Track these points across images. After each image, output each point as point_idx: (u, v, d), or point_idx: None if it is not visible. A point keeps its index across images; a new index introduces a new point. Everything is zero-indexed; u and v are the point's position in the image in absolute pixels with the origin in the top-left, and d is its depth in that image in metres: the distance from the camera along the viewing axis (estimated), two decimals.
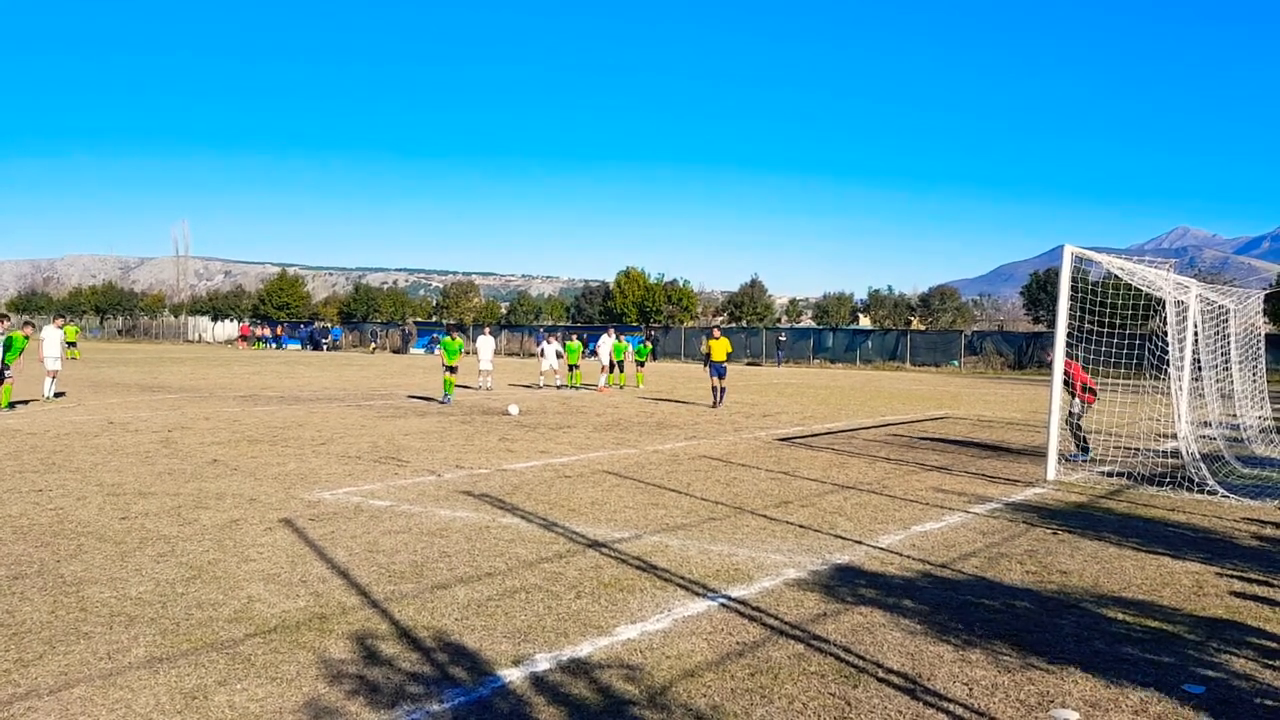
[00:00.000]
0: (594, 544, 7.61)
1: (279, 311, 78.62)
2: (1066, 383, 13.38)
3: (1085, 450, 13.76)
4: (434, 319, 77.19)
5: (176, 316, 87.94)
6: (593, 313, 68.90)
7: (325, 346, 67.48)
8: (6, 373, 18.13)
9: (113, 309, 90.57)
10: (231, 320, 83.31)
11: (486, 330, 31.29)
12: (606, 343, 28.65)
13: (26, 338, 19.38)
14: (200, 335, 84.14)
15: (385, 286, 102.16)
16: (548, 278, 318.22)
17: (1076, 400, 13.74)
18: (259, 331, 73.89)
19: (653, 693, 4.57)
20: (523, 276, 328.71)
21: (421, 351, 66.01)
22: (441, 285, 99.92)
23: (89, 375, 30.60)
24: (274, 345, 71.07)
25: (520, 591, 6.22)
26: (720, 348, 22.17)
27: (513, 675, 4.76)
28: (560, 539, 7.78)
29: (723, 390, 22.35)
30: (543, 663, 4.93)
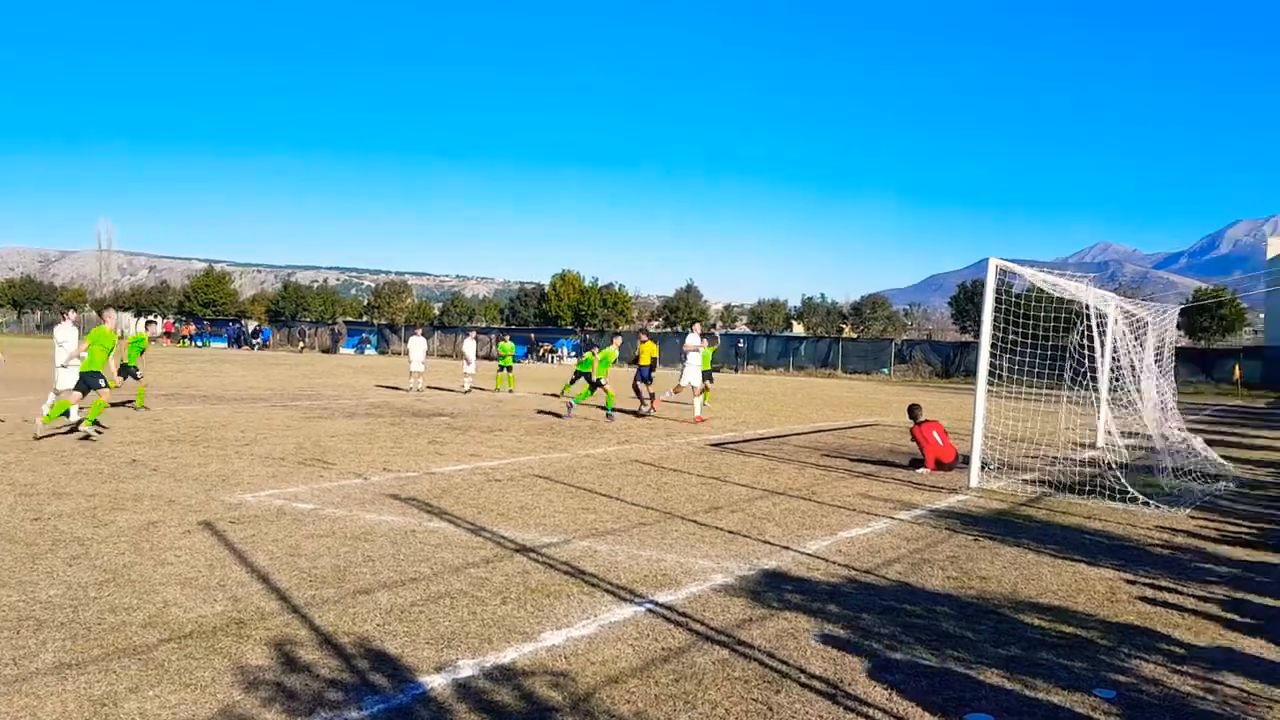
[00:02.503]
0: (522, 549, 7.56)
1: (205, 309, 76.93)
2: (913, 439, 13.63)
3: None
4: (364, 319, 76.21)
5: (99, 312, 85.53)
6: (528, 315, 68.65)
7: (254, 346, 66.02)
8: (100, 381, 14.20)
9: (31, 303, 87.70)
10: (156, 316, 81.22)
11: (419, 331, 31.00)
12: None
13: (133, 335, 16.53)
14: (123, 332, 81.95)
15: (315, 285, 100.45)
16: (482, 279, 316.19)
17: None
18: (184, 329, 72.22)
19: (577, 699, 4.55)
20: (457, 277, 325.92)
21: (351, 351, 65.13)
22: (373, 284, 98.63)
23: (3, 372, 29.57)
24: (198, 343, 69.51)
25: (445, 597, 6.15)
26: (647, 352, 21.87)
27: (435, 682, 4.70)
28: (488, 543, 7.72)
29: (651, 395, 21.56)
30: (466, 669, 4.88)
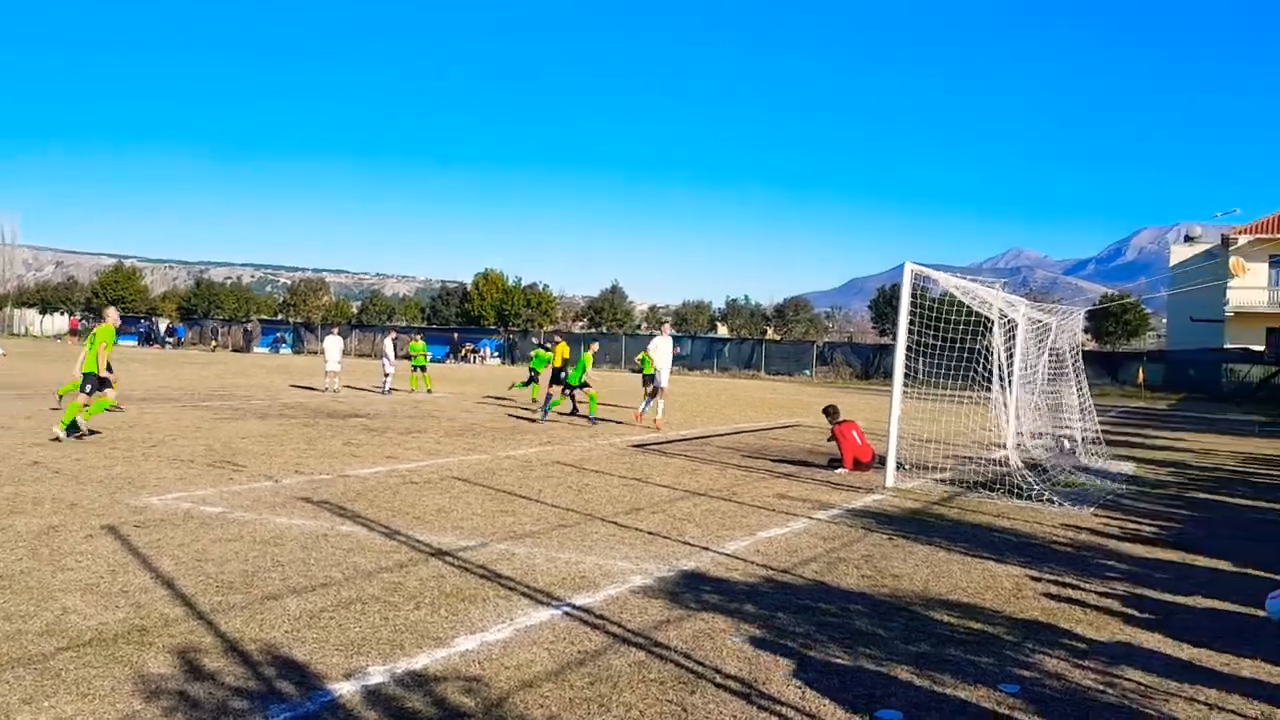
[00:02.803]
0: (438, 553, 7.46)
1: (114, 306, 74.55)
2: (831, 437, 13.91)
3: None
4: (280, 317, 74.67)
5: (2, 309, 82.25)
6: (449, 315, 67.94)
7: (168, 344, 63.90)
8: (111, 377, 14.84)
9: None
10: (62, 314, 78.50)
11: (335, 330, 30.43)
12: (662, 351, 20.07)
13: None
14: (28, 328, 79.02)
15: (229, 282, 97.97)
16: (403, 277, 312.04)
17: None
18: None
19: (489, 704, 4.49)
20: (377, 275, 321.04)
21: (266, 350, 63.72)
22: (289, 282, 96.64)
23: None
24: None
25: (356, 602, 6.03)
26: (559, 353, 21.66)
27: (343, 689, 4.60)
28: (402, 548, 7.60)
29: (550, 397, 20.71)
30: (376, 675, 4.79)
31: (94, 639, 5.18)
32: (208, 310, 73.56)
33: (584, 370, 20.77)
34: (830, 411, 14.40)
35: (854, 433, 13.76)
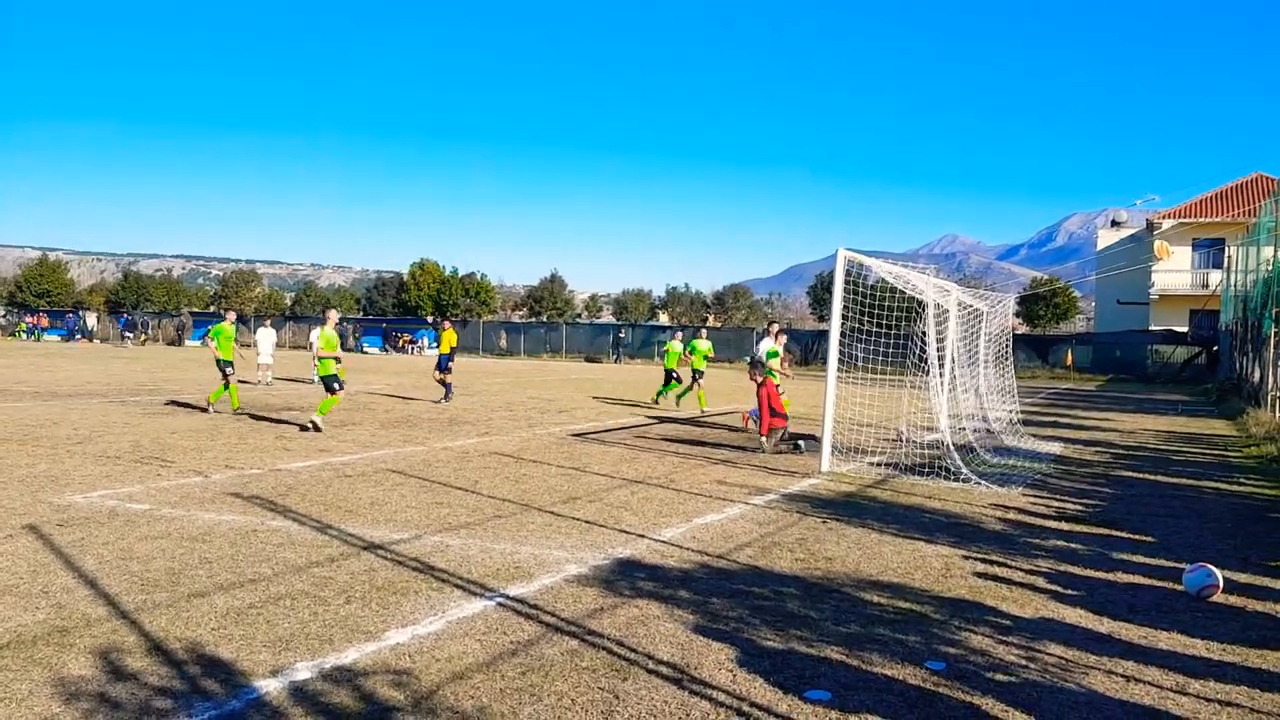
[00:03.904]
0: (370, 546, 7.38)
1: (38, 299, 72.39)
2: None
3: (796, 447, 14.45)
4: (211, 309, 73.21)
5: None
6: (386, 305, 67.16)
7: (129, 340, 61.03)
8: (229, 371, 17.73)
9: None
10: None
11: (268, 322, 29.90)
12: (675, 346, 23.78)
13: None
14: None
15: (159, 274, 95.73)
16: (339, 268, 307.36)
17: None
18: (31, 320, 67.70)
19: (419, 697, 4.47)
20: (311, 266, 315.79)
21: (198, 344, 62.43)
22: (221, 274, 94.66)
23: None
24: (36, 336, 65.37)
25: (285, 598, 5.95)
26: (447, 340, 21.87)
27: (270, 686, 4.54)
28: (334, 542, 7.51)
29: (448, 386, 21.69)
30: (303, 671, 4.73)
31: (12, 641, 5.05)
32: (137, 303, 71.78)
33: (706, 360, 22.26)
34: (755, 364, 14.63)
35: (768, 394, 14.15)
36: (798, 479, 11.61)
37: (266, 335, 26.95)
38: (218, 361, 17.71)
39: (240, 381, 18.76)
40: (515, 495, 9.86)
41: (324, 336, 16.00)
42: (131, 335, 61.64)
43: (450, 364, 21.77)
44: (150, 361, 38.16)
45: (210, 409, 17.49)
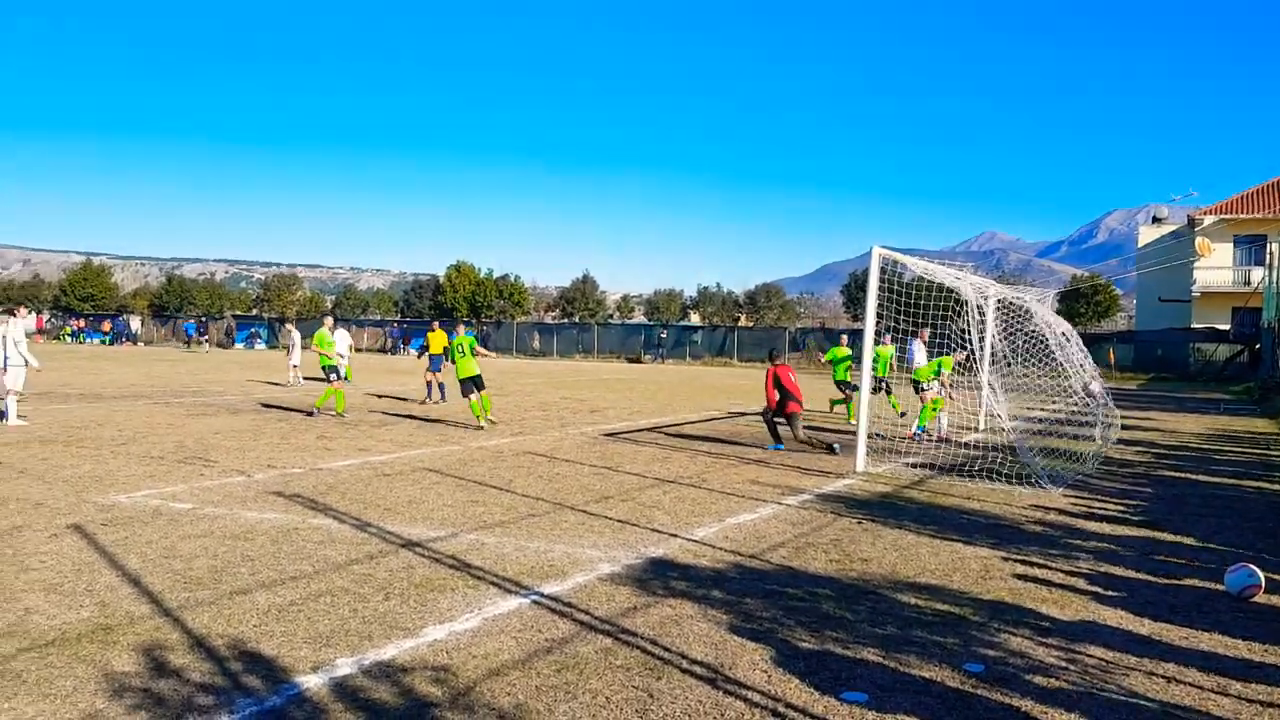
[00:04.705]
0: (408, 544, 7.45)
1: (82, 303, 73.62)
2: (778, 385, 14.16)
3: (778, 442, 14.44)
4: (254, 312, 74.11)
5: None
6: (422, 307, 67.63)
7: (206, 344, 61.37)
8: (332, 377, 18.36)
9: None
10: (29, 312, 77.42)
11: (289, 325, 30.52)
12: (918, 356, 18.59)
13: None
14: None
15: (202, 278, 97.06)
16: (378, 271, 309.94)
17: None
18: (75, 324, 68.83)
19: (457, 693, 4.51)
20: (351, 269, 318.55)
21: (241, 346, 63.20)
22: (263, 277, 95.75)
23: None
24: (92, 339, 66.47)
25: (326, 595, 6.03)
26: (437, 341, 21.84)
27: (311, 682, 4.60)
28: (373, 539, 7.59)
29: (441, 386, 21.44)
30: (344, 667, 4.79)
31: (57, 639, 5.15)
32: (180, 306, 72.77)
33: (888, 366, 18.53)
34: (771, 353, 14.65)
35: (790, 376, 14.10)
36: (832, 479, 11.57)
37: (296, 338, 27.40)
38: (323, 366, 18.48)
39: (270, 383, 19.14)
40: (549, 494, 9.90)
41: (318, 336, 18.79)
42: (206, 339, 62.35)
43: (442, 365, 21.52)
44: (194, 364, 38.71)
45: (316, 412, 17.69)
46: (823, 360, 19.87)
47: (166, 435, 14.15)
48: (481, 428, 16.03)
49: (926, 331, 17.48)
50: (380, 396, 23.18)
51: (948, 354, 15.82)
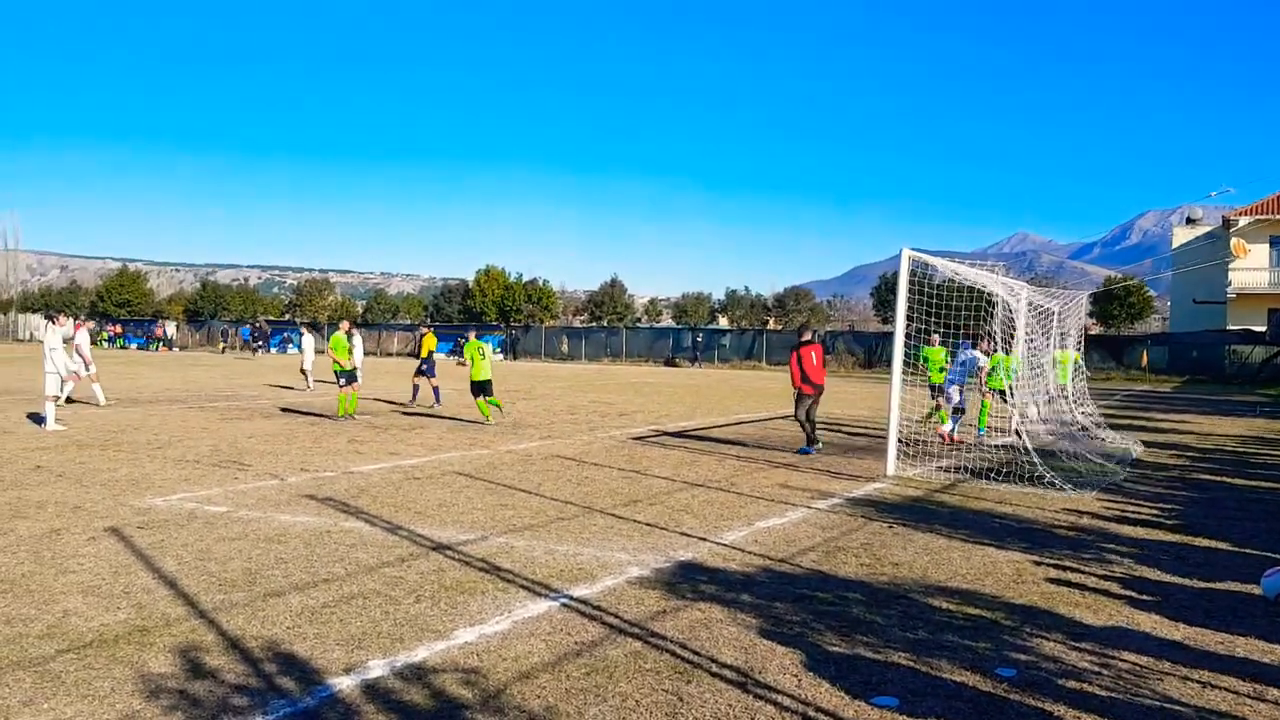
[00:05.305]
0: (438, 546, 7.51)
1: (119, 309, 74.63)
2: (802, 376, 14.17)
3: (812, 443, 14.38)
4: (286, 317, 74.81)
5: (6, 314, 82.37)
6: (452, 311, 67.97)
7: (260, 349, 62.02)
8: (341, 380, 18.29)
9: None
10: (67, 318, 78.56)
11: (304, 330, 30.84)
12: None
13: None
14: (32, 334, 79.14)
15: (236, 284, 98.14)
16: (408, 276, 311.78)
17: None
18: (111, 329, 69.72)
19: (487, 695, 4.54)
20: (381, 274, 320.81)
21: (274, 351, 63.79)
22: (295, 283, 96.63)
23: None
24: (128, 344, 67.32)
25: (358, 597, 6.09)
26: (426, 344, 21.93)
27: (343, 683, 4.65)
28: (404, 542, 7.65)
29: (436, 390, 21.28)
30: (376, 669, 4.84)
31: (95, 640, 5.23)
32: (214, 312, 73.59)
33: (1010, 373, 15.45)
34: (799, 330, 14.66)
35: (813, 358, 14.14)
36: (862, 483, 11.52)
37: (309, 342, 27.67)
38: (335, 371, 18.24)
39: (284, 388, 19.35)
40: (577, 498, 9.94)
41: (335, 341, 18.70)
42: (261, 344, 62.86)
43: (433, 368, 21.63)
44: (228, 368, 39.15)
45: (347, 418, 17.77)
46: (921, 364, 17.56)
47: (201, 439, 14.33)
48: (487, 420, 17.30)
49: (935, 337, 17.11)
50: (392, 405, 23.33)
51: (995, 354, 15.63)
